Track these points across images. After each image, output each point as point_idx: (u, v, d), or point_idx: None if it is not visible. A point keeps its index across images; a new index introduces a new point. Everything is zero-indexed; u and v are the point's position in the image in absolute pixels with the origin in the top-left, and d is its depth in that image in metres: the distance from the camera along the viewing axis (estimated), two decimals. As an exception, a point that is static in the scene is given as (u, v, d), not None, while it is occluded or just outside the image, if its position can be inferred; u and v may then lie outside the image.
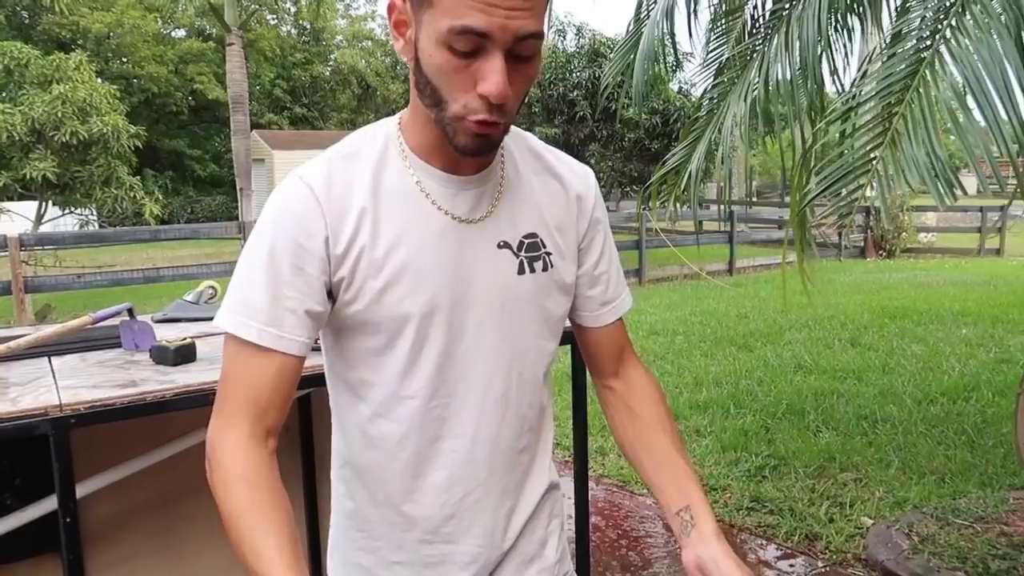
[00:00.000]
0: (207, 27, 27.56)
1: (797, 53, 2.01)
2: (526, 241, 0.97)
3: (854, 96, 1.89)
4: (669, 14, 2.81)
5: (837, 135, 1.94)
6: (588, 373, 1.16)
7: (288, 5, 29.95)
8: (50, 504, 1.69)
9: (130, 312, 1.91)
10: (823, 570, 2.86)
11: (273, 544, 0.80)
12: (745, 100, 2.18)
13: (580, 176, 1.04)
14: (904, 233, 13.44)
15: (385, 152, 0.93)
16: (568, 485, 3.75)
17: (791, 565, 2.90)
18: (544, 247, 0.99)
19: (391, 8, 0.86)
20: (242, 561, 0.82)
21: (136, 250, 13.47)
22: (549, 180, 1.01)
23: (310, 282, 0.89)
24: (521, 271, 0.97)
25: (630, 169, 13.96)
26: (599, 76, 13.02)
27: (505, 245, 0.96)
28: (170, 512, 2.05)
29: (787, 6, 2.23)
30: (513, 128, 0.98)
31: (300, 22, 31.50)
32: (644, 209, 13.17)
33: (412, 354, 0.93)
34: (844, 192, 1.68)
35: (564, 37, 13.27)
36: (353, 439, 1.00)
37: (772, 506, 3.33)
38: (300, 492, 2.24)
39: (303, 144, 27.49)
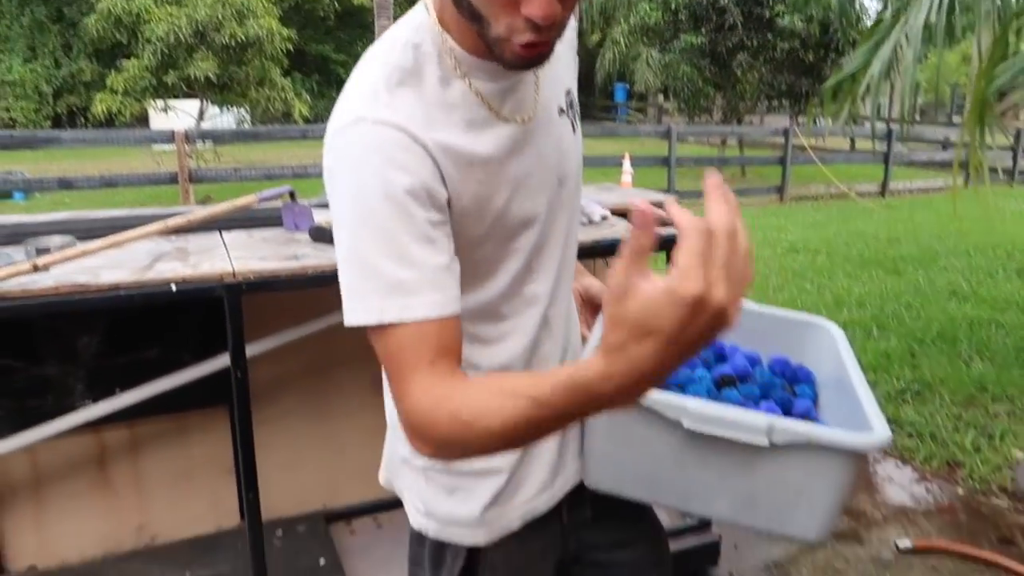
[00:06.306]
0: (354, -70, 27.73)
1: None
2: (568, 97, 0.92)
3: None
4: None
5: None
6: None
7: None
8: (221, 361, 1.87)
9: (291, 195, 2.04)
10: (963, 496, 2.74)
11: (527, 376, 0.67)
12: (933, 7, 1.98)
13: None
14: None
15: (439, 60, 0.80)
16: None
17: (927, 489, 2.80)
18: (571, 94, 0.94)
19: None
20: (528, 417, 0.63)
21: (285, 148, 14.16)
22: None
23: (445, 228, 0.78)
24: (574, 130, 0.92)
25: (779, 81, 13.02)
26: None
27: (562, 111, 0.90)
28: (323, 379, 2.23)
29: None
30: None
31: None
32: (794, 123, 12.38)
33: (527, 257, 0.90)
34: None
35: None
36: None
37: (912, 430, 3.19)
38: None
39: (442, 50, 27.54)
